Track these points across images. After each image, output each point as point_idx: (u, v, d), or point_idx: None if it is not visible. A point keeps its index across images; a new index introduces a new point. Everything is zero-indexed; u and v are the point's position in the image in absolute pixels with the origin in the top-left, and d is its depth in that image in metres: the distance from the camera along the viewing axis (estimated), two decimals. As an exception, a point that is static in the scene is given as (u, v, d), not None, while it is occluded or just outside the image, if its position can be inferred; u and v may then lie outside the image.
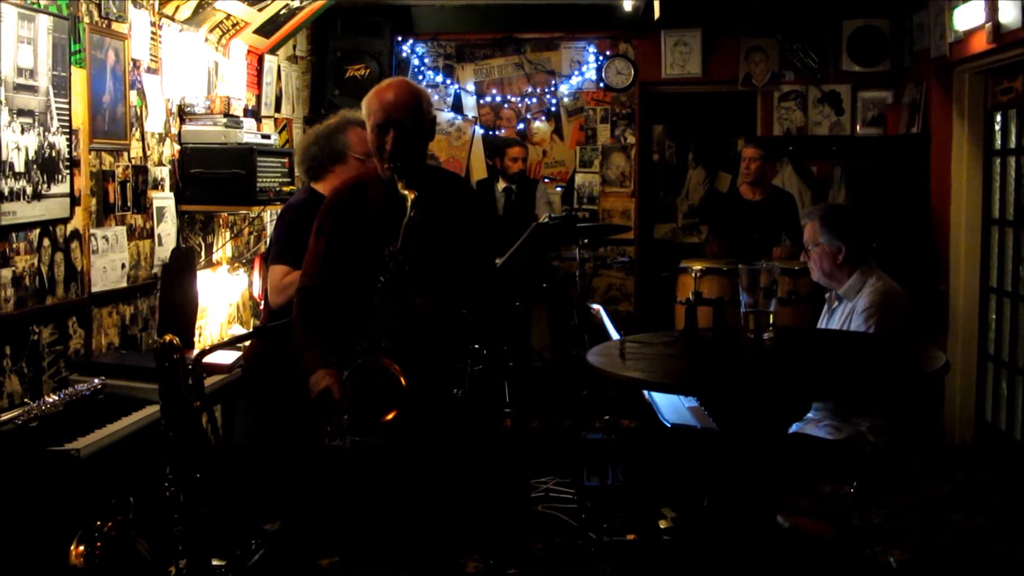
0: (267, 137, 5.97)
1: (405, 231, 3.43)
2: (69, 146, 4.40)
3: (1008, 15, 5.71)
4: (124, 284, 4.95)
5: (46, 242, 4.27)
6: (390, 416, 3.37)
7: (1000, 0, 5.78)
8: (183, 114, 5.57)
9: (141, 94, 5.13)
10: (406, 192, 3.46)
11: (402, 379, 3.34)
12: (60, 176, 4.33)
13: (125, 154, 4.98)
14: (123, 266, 4.93)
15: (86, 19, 4.56)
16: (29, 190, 4.10)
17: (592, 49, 8.81)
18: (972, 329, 6.93)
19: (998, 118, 6.76)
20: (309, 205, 4.34)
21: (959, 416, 6.96)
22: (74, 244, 4.49)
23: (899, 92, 8.10)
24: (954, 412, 6.97)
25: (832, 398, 4.21)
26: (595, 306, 5.26)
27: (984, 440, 6.85)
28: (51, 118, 4.25)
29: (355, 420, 3.44)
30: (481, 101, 8.95)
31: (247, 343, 4.74)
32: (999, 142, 6.77)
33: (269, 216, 6.77)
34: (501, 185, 7.91)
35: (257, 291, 6.56)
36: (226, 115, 5.62)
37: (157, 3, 5.27)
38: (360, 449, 3.49)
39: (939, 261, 7.05)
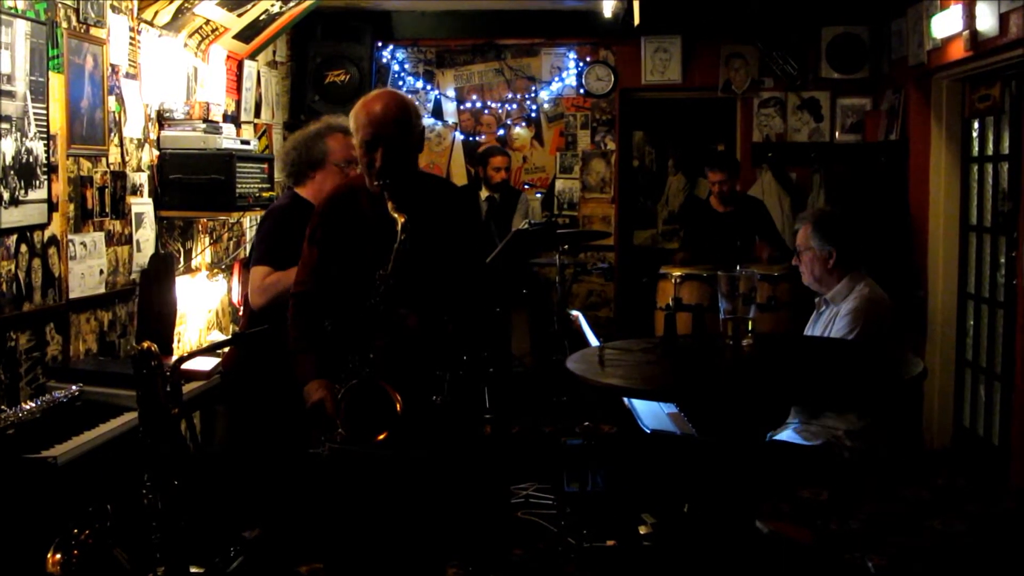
0: (246, 143, 5.95)
1: (395, 257, 3.44)
2: (47, 152, 4.37)
3: (985, 23, 5.74)
4: (102, 290, 4.92)
5: (23, 248, 4.24)
6: (380, 437, 3.39)
7: (977, 8, 5.82)
8: (162, 119, 5.55)
9: (120, 99, 5.11)
10: (396, 215, 3.46)
11: (398, 405, 3.36)
12: (37, 182, 4.30)
13: (103, 159, 4.95)
14: (101, 272, 4.91)
15: (64, 24, 4.54)
16: (6, 196, 4.07)
17: (572, 55, 8.81)
18: (950, 335, 6.97)
19: (976, 125, 6.80)
20: (291, 209, 4.37)
21: (937, 421, 6.99)
22: (52, 250, 4.47)
23: (878, 99, 8.14)
24: (932, 417, 7.00)
25: (810, 404, 4.23)
26: (574, 312, 5.26)
27: (962, 445, 6.87)
28: (28, 123, 4.23)
29: (346, 435, 3.45)
30: (461, 107, 8.95)
31: (226, 349, 4.73)
32: (977, 149, 6.81)
33: (248, 222, 6.75)
34: (484, 194, 7.91)
35: (236, 297, 6.54)
36: (205, 121, 5.60)
37: (136, 8, 5.25)
38: (340, 456, 3.49)
39: (918, 267, 7.08)
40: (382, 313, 3.48)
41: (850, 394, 3.90)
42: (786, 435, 4.33)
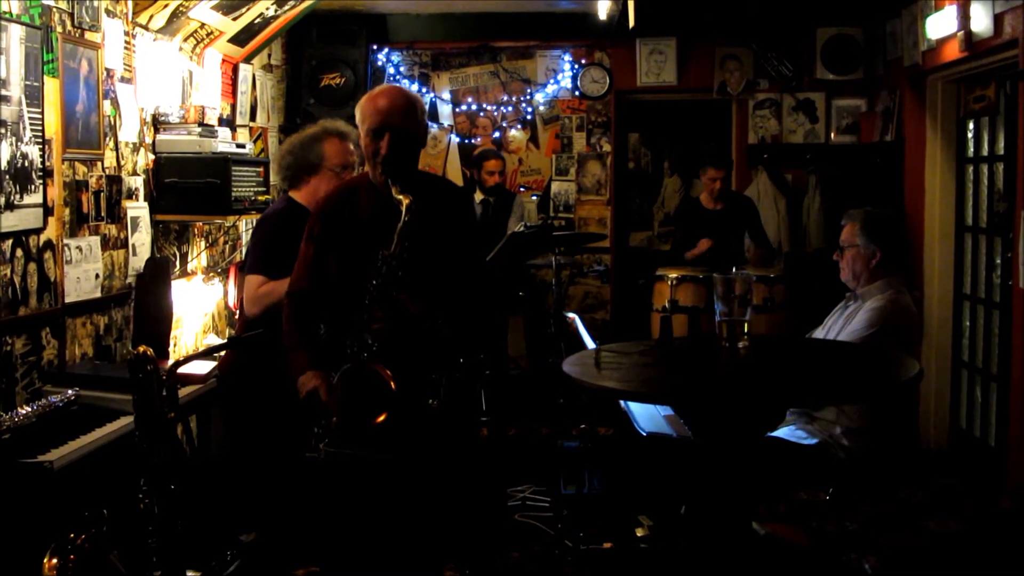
0: (242, 146, 5.95)
1: (400, 235, 3.44)
2: (42, 156, 4.37)
3: (980, 24, 5.75)
4: (98, 294, 4.92)
5: (19, 252, 4.24)
6: (380, 419, 3.37)
7: (972, 9, 5.83)
8: (157, 123, 5.55)
9: (115, 103, 5.11)
10: (401, 197, 3.47)
11: (392, 383, 3.34)
12: (33, 186, 4.30)
13: (99, 164, 4.95)
14: (97, 276, 4.91)
15: (59, 28, 4.54)
16: (2, 200, 4.07)
17: (567, 57, 8.82)
18: (946, 336, 6.97)
19: (971, 126, 6.81)
20: (285, 215, 4.35)
21: (934, 422, 7.00)
22: (47, 254, 4.47)
23: (873, 100, 8.15)
24: (929, 418, 7.01)
25: (806, 406, 4.23)
26: (570, 315, 5.26)
27: (959, 446, 6.88)
28: (24, 128, 4.22)
29: (343, 422, 3.44)
30: (457, 110, 8.95)
31: (222, 353, 4.73)
32: (972, 150, 6.82)
33: (244, 225, 6.74)
34: (479, 197, 7.89)
35: (232, 300, 6.54)
36: (201, 124, 5.60)
37: (131, 12, 5.25)
38: (336, 459, 3.49)
39: (913, 268, 7.09)
40: (382, 296, 3.47)
41: (846, 397, 3.90)
42: (782, 432, 4.33)
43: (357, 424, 3.41)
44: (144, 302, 5.26)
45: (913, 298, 6.17)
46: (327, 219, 3.74)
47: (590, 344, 4.77)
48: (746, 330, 3.71)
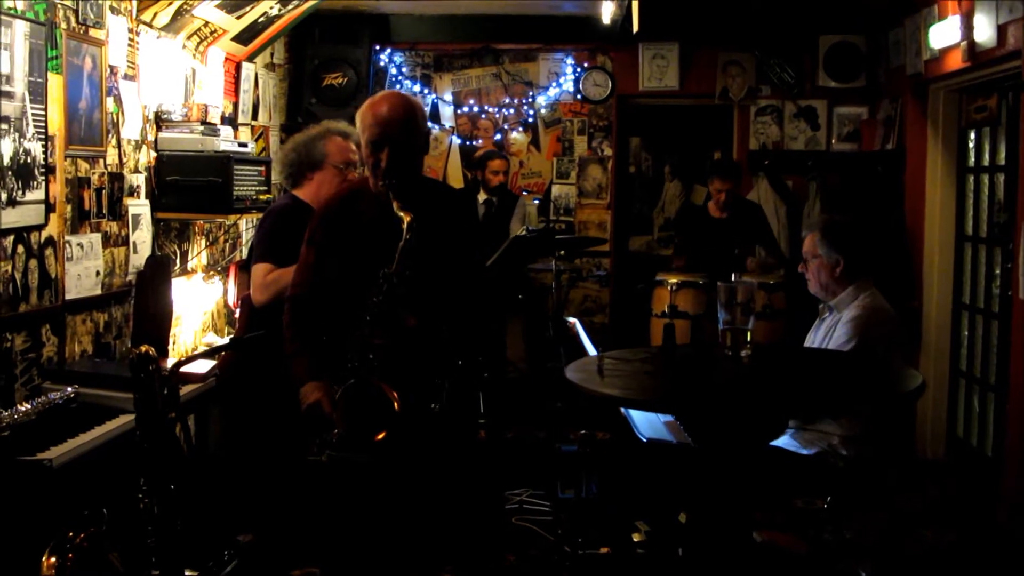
0: (244, 145, 5.95)
1: (401, 254, 3.43)
2: (44, 152, 4.37)
3: (983, 34, 5.75)
4: (98, 292, 4.91)
5: (20, 249, 4.23)
6: (380, 436, 3.37)
7: (976, 19, 5.83)
8: (160, 121, 5.54)
9: (118, 101, 5.10)
10: (402, 214, 3.46)
11: (396, 404, 3.35)
12: (35, 183, 4.29)
13: (101, 161, 4.95)
14: (98, 273, 4.90)
15: (63, 25, 4.53)
16: (4, 196, 4.06)
17: (570, 61, 8.82)
18: (944, 345, 6.97)
19: (972, 136, 6.81)
20: (291, 209, 4.41)
21: (931, 432, 6.99)
22: (48, 251, 4.46)
23: (874, 108, 8.15)
24: (926, 428, 7.01)
25: (810, 416, 4.22)
26: (571, 319, 5.26)
27: (956, 456, 6.88)
28: (27, 124, 4.22)
29: (345, 436, 3.44)
30: (458, 111, 8.95)
31: (222, 352, 4.73)
32: (973, 160, 6.82)
33: (245, 224, 6.74)
34: (482, 197, 7.91)
35: (232, 299, 6.53)
36: (203, 123, 5.59)
37: (135, 10, 5.25)
38: (336, 461, 3.49)
39: (913, 277, 7.09)
40: (383, 312, 3.47)
41: (850, 408, 3.90)
42: (782, 441, 4.33)
43: (358, 439, 3.42)
44: (144, 300, 5.26)
45: (910, 308, 6.19)
46: (328, 224, 3.74)
47: (590, 349, 4.77)
48: (749, 339, 3.71)
